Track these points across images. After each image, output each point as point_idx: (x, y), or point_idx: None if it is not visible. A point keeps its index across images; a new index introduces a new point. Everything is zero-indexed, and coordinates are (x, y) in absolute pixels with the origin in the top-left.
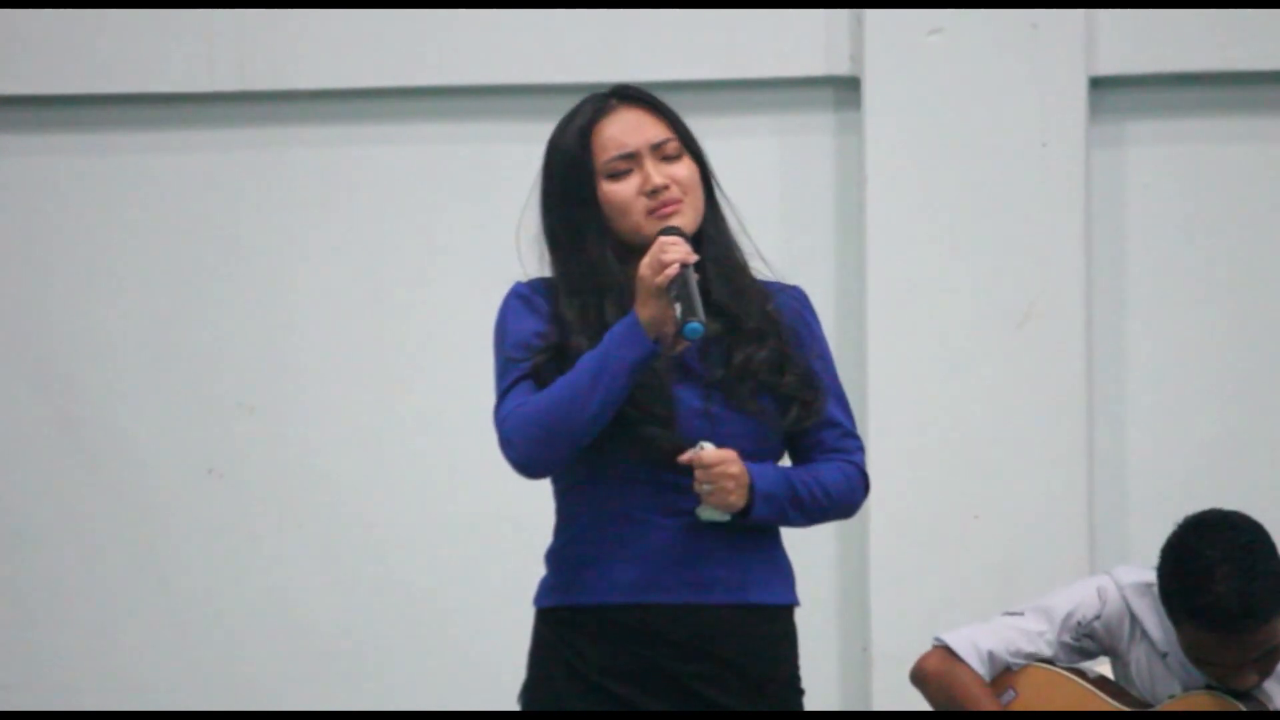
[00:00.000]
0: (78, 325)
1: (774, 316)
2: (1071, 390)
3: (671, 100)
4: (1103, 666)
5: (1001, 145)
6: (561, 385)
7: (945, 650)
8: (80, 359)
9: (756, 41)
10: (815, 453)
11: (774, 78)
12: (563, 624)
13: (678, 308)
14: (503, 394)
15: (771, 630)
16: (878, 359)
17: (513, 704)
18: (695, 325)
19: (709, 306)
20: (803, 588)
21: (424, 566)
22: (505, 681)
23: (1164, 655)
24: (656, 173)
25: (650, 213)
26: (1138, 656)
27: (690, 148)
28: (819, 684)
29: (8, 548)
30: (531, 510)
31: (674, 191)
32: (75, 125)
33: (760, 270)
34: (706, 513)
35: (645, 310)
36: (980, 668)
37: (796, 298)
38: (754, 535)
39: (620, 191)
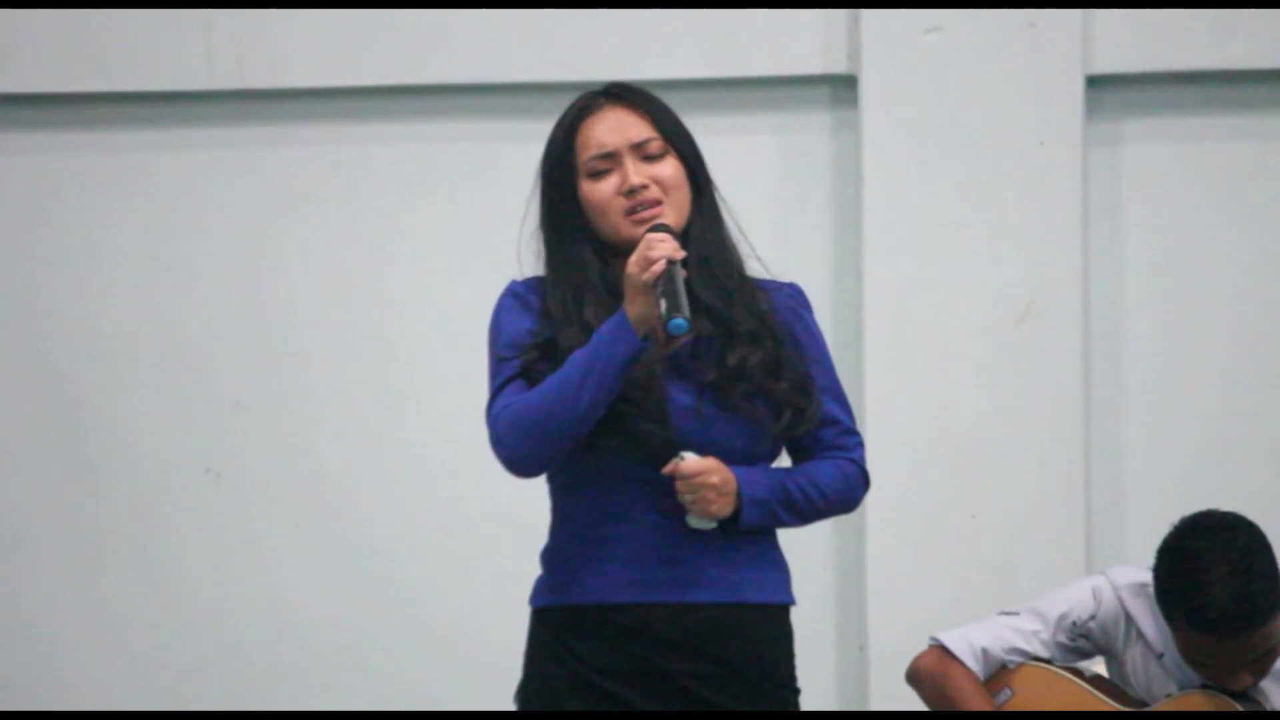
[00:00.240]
0: (75, 323)
1: (769, 319)
2: (1069, 388)
3: (669, 98)
4: (1098, 666)
5: (999, 144)
6: (551, 383)
7: (941, 650)
8: (77, 357)
9: (754, 40)
10: (815, 450)
11: (771, 76)
12: (557, 624)
13: (663, 304)
14: (494, 392)
15: (767, 629)
16: (875, 357)
17: (509, 703)
18: (679, 321)
19: (696, 305)
20: (799, 587)
21: (421, 565)
22: (502, 681)
23: (1160, 656)
24: (635, 173)
25: (628, 213)
26: (1133, 657)
27: (678, 147)
28: (816, 683)
29: (4, 547)
30: (528, 509)
31: (653, 192)
32: (74, 123)
33: (756, 270)
34: (694, 520)
35: (633, 307)
36: (976, 667)
37: (793, 295)
38: (750, 534)
39: (599, 190)
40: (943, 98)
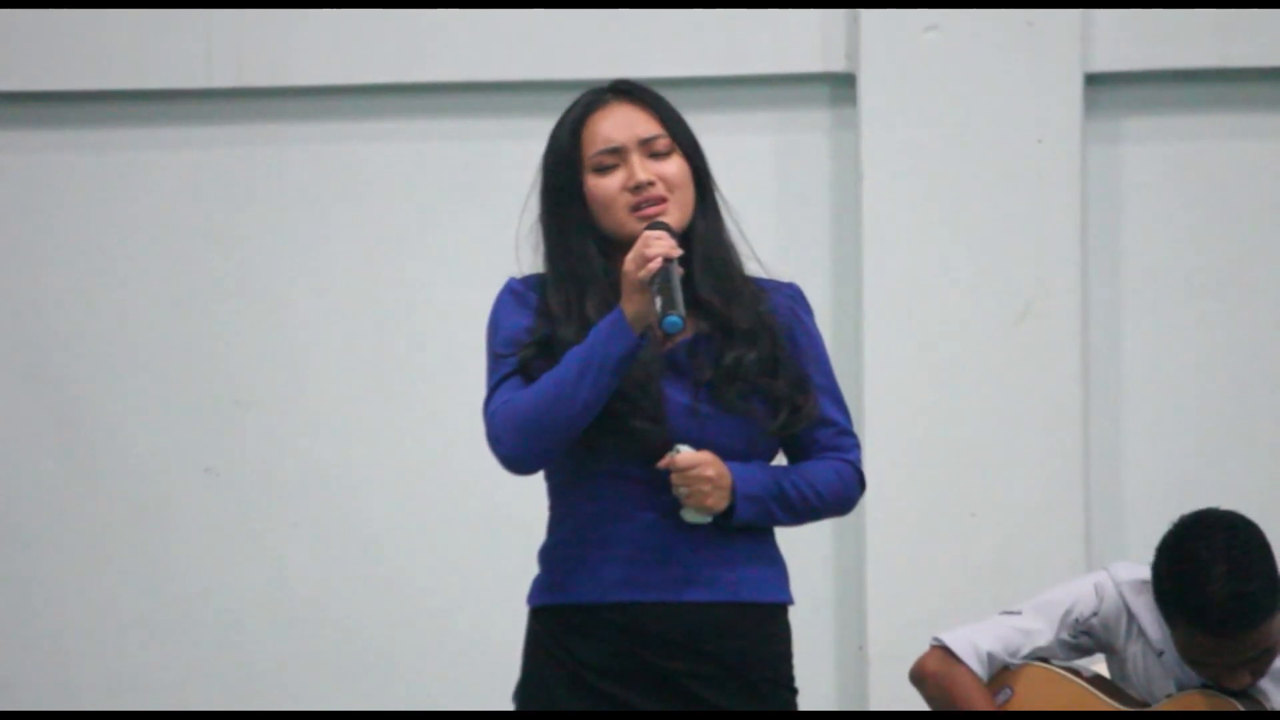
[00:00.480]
0: (74, 322)
1: (767, 319)
2: (1068, 387)
3: (668, 96)
4: (1098, 664)
5: (997, 142)
6: (548, 380)
7: (944, 651)
8: (77, 356)
9: (753, 38)
10: (811, 451)
11: (770, 74)
12: (555, 623)
13: (658, 301)
14: (491, 390)
15: (764, 628)
16: (873, 355)
17: (508, 703)
18: (674, 319)
19: (696, 305)
20: (798, 586)
21: (420, 564)
22: (501, 680)
23: (1160, 653)
24: (641, 169)
25: (633, 209)
26: (1134, 654)
27: (684, 147)
28: (815, 683)
29: (4, 545)
30: (527, 508)
31: (658, 189)
32: (73, 121)
33: (756, 272)
34: (689, 514)
35: (630, 305)
36: (979, 668)
37: (792, 295)
38: (747, 533)
39: (604, 186)
40: (941, 96)
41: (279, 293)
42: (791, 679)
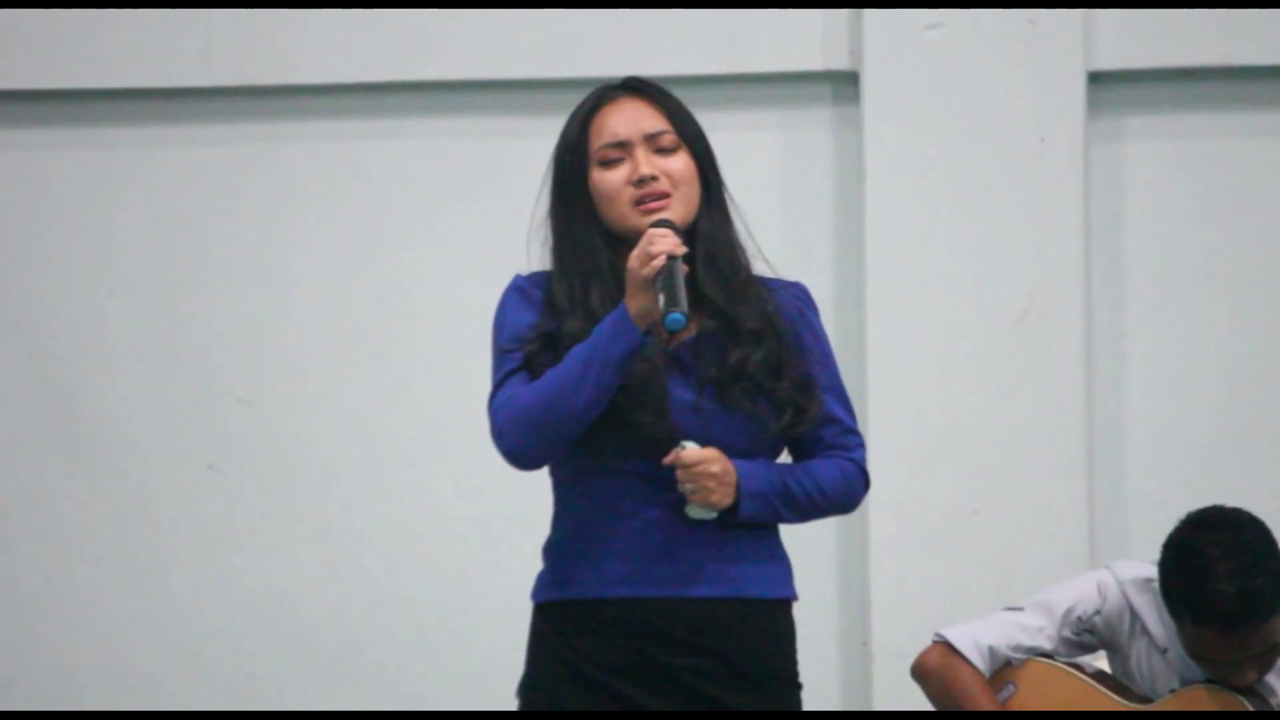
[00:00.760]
0: (76, 320)
1: (773, 318)
2: (1071, 385)
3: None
4: (1101, 660)
5: (1000, 140)
6: (552, 377)
7: (946, 646)
8: (79, 354)
9: (756, 36)
10: (816, 449)
11: (773, 72)
12: (558, 619)
13: (661, 298)
14: (496, 385)
15: (768, 625)
16: (877, 354)
17: (510, 700)
18: (676, 316)
19: (701, 303)
20: (802, 583)
21: (423, 561)
22: (504, 676)
23: (1163, 651)
24: (646, 163)
25: (636, 203)
26: (1137, 651)
27: (691, 144)
28: (819, 679)
29: (6, 543)
30: (531, 506)
31: (662, 184)
32: (74, 120)
33: (763, 270)
34: (694, 511)
35: (634, 302)
36: (981, 664)
37: (798, 295)
38: (751, 529)
39: (609, 179)
40: (944, 94)
41: (281, 290)
42: (795, 675)
